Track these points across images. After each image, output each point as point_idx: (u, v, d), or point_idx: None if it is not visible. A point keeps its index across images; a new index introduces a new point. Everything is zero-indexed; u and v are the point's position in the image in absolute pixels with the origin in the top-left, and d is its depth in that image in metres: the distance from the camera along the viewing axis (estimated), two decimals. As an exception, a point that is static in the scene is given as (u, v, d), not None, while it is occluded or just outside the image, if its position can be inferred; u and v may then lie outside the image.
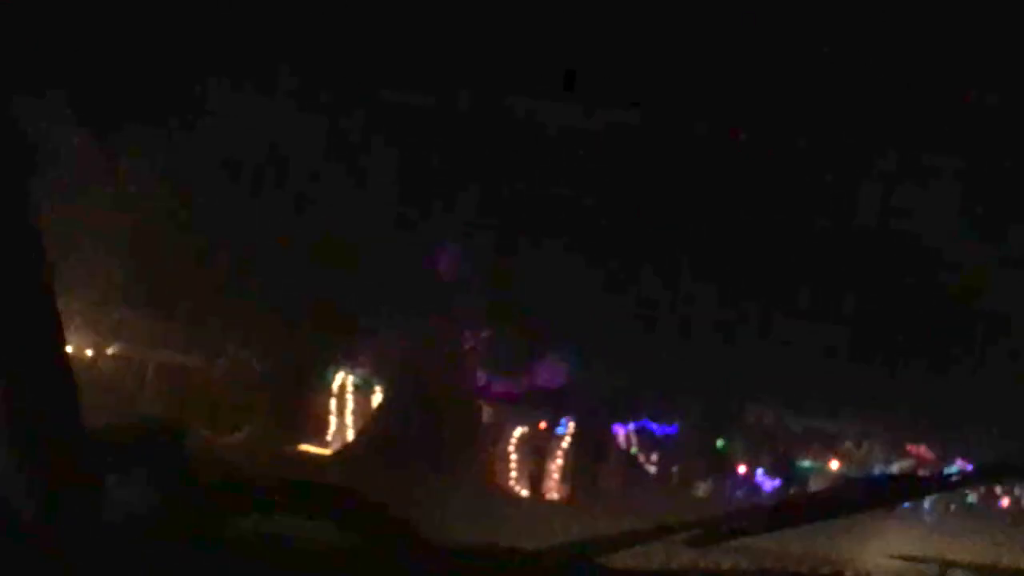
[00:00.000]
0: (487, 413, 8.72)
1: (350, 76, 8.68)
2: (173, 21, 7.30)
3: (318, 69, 8.68)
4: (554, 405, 8.97)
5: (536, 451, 8.77)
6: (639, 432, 11.21)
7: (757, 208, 9.89)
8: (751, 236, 9.59)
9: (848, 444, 11.98)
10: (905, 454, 11.77)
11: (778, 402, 11.58)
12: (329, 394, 9.08)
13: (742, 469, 11.43)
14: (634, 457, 11.07)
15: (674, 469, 11.50)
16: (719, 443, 11.97)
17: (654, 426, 11.35)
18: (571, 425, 9.07)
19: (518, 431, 8.74)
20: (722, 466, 11.51)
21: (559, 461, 8.80)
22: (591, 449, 9.31)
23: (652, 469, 11.22)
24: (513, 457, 8.68)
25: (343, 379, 9.09)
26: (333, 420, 9.05)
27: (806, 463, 11.75)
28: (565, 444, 8.87)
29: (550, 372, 8.92)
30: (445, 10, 7.32)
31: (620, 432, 11.09)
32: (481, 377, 8.68)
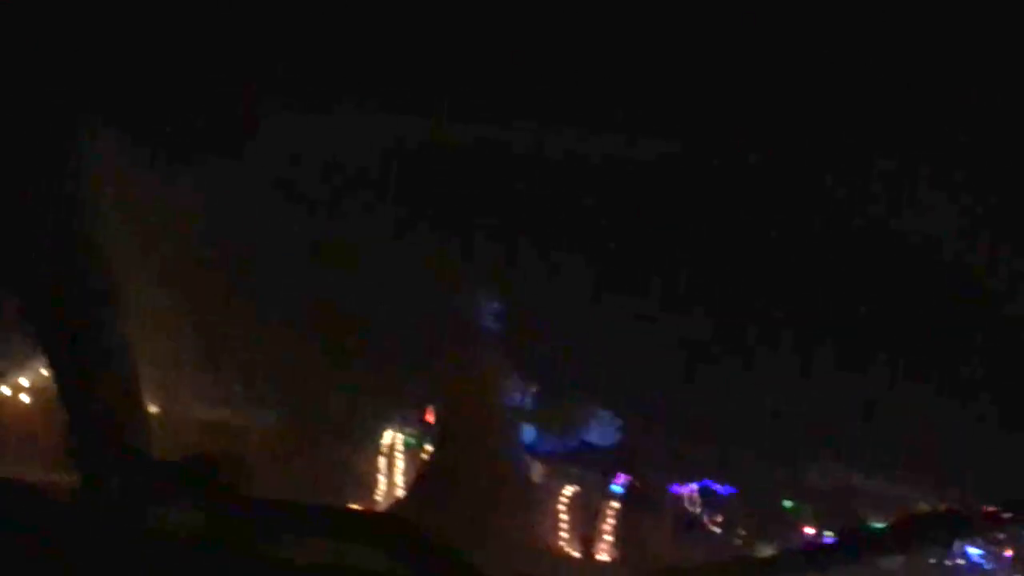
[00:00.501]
0: (536, 471, 8.45)
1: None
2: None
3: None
4: (607, 463, 8.69)
5: (588, 511, 8.49)
6: (702, 492, 10.89)
7: (825, 261, 9.61)
8: (807, 286, 9.31)
9: (922, 506, 11.53)
10: (982, 516, 11.29)
11: (847, 461, 11.22)
12: (378, 453, 8.88)
13: (810, 531, 11.04)
14: (698, 518, 10.75)
15: (739, 531, 11.14)
16: (786, 504, 11.59)
17: (717, 486, 11.02)
18: (625, 484, 8.78)
19: (568, 490, 8.46)
20: (788, 528, 11.14)
21: (612, 522, 8.51)
22: (646, 509, 9.01)
23: (717, 530, 10.89)
24: (563, 517, 8.40)
25: (392, 437, 8.90)
26: (382, 480, 8.85)
27: (877, 525, 11.31)
28: (618, 504, 8.58)
29: (602, 429, 8.65)
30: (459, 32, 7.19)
31: (682, 492, 10.77)
32: (530, 434, 8.43)
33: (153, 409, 8.37)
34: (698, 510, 10.81)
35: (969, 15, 6.07)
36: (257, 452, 8.53)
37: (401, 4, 6.99)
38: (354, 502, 8.80)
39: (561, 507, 8.39)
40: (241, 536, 3.52)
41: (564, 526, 8.41)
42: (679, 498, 10.75)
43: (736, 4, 6.15)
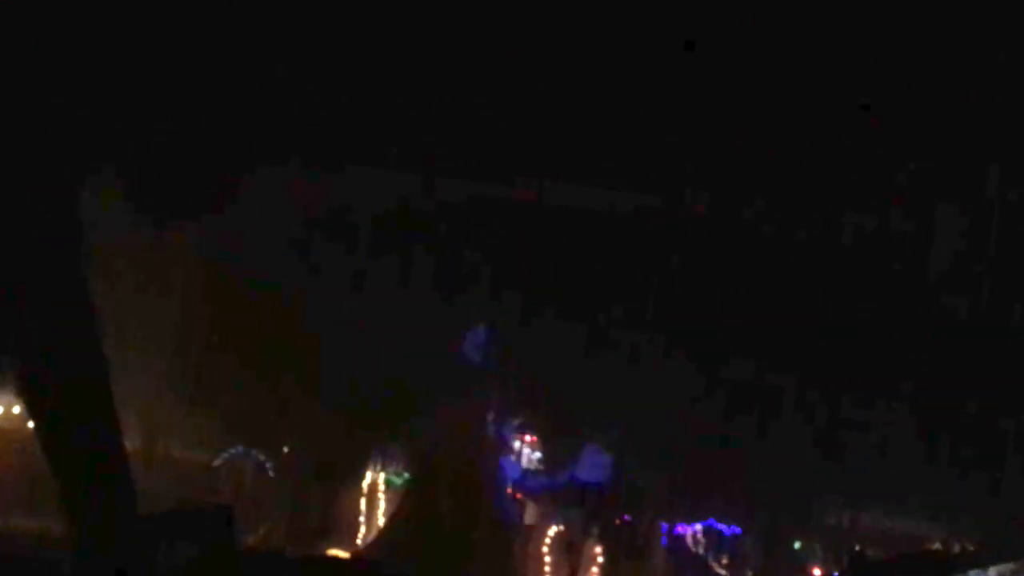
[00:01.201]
0: (520, 510, 8.06)
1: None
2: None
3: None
4: (594, 502, 8.29)
5: (572, 551, 8.07)
6: (706, 532, 10.49)
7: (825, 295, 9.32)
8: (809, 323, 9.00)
9: (936, 546, 11.09)
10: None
11: (857, 501, 10.83)
12: (359, 493, 8.52)
13: (817, 572, 10.62)
14: (701, 558, 10.36)
15: (747, 572, 10.73)
16: (795, 544, 11.18)
17: (722, 526, 10.62)
18: (615, 524, 8.38)
19: (553, 529, 8.05)
20: (797, 569, 10.72)
21: (599, 560, 8.09)
22: (638, 550, 8.59)
23: (723, 572, 10.48)
24: (547, 559, 7.98)
25: (374, 477, 8.53)
26: (363, 521, 8.48)
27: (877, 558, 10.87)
28: (604, 544, 8.15)
29: (593, 466, 8.26)
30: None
31: (685, 532, 10.39)
32: (514, 470, 8.04)
33: (138, 452, 8.12)
34: (701, 550, 10.41)
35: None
36: (241, 494, 8.25)
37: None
38: (336, 542, 8.46)
39: (545, 548, 7.98)
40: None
41: (548, 568, 8.00)
42: (682, 538, 10.35)
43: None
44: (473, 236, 8.90)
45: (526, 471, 8.23)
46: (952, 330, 9.02)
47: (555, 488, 8.20)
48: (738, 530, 10.59)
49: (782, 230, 9.22)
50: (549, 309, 8.77)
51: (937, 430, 9.54)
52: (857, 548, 10.27)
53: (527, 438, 8.54)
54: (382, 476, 8.55)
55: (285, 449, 8.75)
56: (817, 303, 9.17)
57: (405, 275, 8.80)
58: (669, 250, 9.04)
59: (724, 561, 10.54)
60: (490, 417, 7.91)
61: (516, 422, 7.88)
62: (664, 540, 10.01)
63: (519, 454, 8.54)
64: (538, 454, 8.56)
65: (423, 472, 8.00)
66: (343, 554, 8.21)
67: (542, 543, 7.97)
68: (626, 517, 8.77)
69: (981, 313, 8.82)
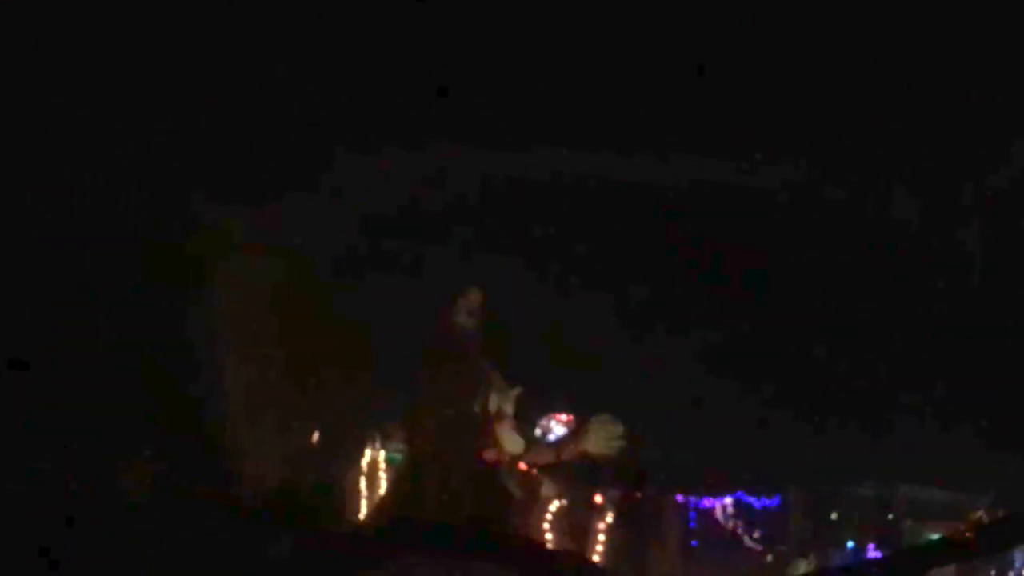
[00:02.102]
0: (521, 483, 7.68)
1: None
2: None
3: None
4: (600, 475, 7.92)
5: (576, 529, 7.70)
6: (736, 505, 10.13)
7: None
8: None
9: (980, 516, 10.64)
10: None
11: (896, 471, 10.45)
12: (359, 472, 8.21)
13: (851, 544, 10.23)
14: (731, 533, 10.01)
15: (779, 546, 10.34)
16: (832, 515, 10.80)
17: (752, 499, 10.26)
18: (626, 499, 8.00)
19: (554, 505, 7.68)
20: (831, 542, 10.34)
21: (601, 538, 7.71)
22: (644, 526, 8.21)
23: (755, 547, 10.12)
24: (548, 536, 7.62)
25: (373, 455, 8.22)
26: (364, 503, 8.17)
27: (929, 537, 10.45)
28: (609, 520, 7.77)
29: (599, 439, 7.85)
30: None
31: (714, 505, 10.04)
32: (515, 444, 7.65)
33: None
34: (730, 524, 10.06)
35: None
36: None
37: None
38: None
39: (545, 524, 7.61)
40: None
41: (548, 546, 7.62)
42: (710, 512, 10.01)
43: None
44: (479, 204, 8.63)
45: (531, 444, 7.86)
46: (994, 301, 8.75)
47: (561, 462, 7.83)
48: (770, 502, 10.23)
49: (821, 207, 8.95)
50: (549, 266, 8.49)
51: (978, 400, 9.23)
52: (890, 517, 9.91)
53: (562, 417, 8.20)
54: (382, 454, 8.24)
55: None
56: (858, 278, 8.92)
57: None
58: (699, 223, 8.75)
59: (756, 535, 10.20)
60: (485, 389, 7.55)
61: (514, 392, 7.50)
62: (692, 515, 9.66)
63: (547, 429, 8.21)
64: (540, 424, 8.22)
65: (412, 448, 7.66)
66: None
67: (542, 520, 7.62)
68: (626, 491, 8.44)
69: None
